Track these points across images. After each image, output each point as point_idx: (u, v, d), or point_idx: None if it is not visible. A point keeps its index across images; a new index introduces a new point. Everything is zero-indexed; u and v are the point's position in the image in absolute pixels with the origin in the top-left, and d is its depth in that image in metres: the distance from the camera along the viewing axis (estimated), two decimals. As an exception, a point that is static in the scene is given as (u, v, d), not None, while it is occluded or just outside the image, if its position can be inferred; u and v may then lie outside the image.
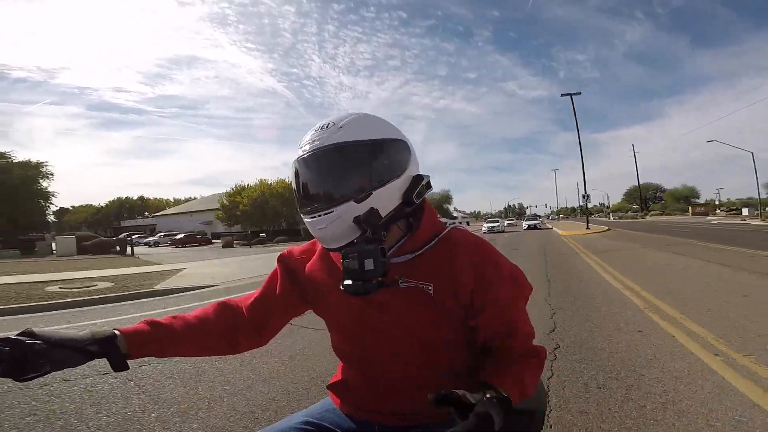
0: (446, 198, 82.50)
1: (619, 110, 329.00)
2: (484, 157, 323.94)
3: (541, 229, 35.38)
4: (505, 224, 43.68)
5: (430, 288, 0.80)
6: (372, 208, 0.76)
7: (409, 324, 0.83)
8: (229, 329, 0.93)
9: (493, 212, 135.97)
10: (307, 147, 0.78)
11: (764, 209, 35.61)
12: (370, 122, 0.81)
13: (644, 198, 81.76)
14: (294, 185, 0.83)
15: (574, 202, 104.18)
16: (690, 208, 61.44)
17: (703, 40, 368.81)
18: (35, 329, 0.71)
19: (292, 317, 1.00)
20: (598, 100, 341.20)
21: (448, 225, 0.87)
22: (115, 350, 0.77)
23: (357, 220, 0.75)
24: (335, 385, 0.98)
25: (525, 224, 38.70)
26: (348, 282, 0.72)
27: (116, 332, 0.78)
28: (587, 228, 27.35)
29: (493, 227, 34.36)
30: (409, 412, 0.87)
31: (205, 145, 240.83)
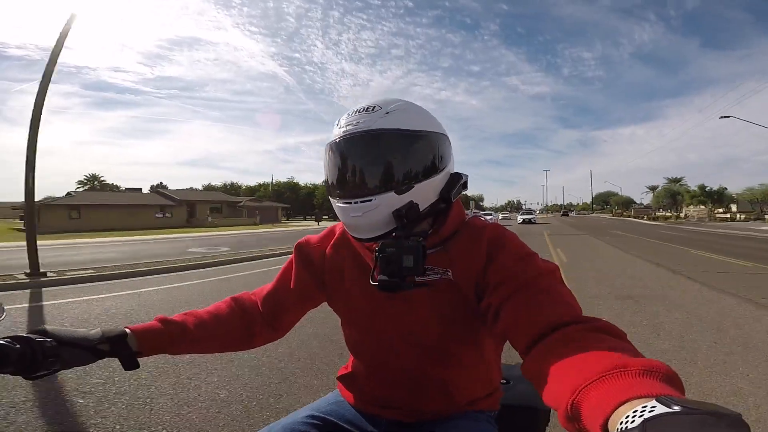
0: (480, 198, 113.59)
1: (621, 109, 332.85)
2: (482, 151, 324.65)
3: (536, 223, 35.59)
4: (499, 217, 44.48)
5: (449, 273, 0.76)
6: (412, 202, 0.72)
7: (426, 315, 0.79)
8: (244, 324, 0.90)
9: (497, 206, 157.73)
10: (350, 128, 0.73)
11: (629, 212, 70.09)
12: (417, 112, 0.77)
13: (605, 201, 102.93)
14: (328, 166, 0.78)
15: (566, 199, 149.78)
16: (613, 210, 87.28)
17: (713, 43, 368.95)
18: (47, 327, 0.70)
19: (307, 309, 0.96)
20: (602, 99, 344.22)
21: (469, 215, 0.85)
22: (126, 349, 0.76)
23: (397, 213, 0.72)
24: (345, 377, 0.95)
25: (520, 218, 39.06)
26: (383, 277, 0.69)
27: (126, 330, 0.77)
28: (546, 216, 73.82)
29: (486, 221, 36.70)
30: (416, 406, 0.84)
31: (201, 127, 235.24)
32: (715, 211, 49.73)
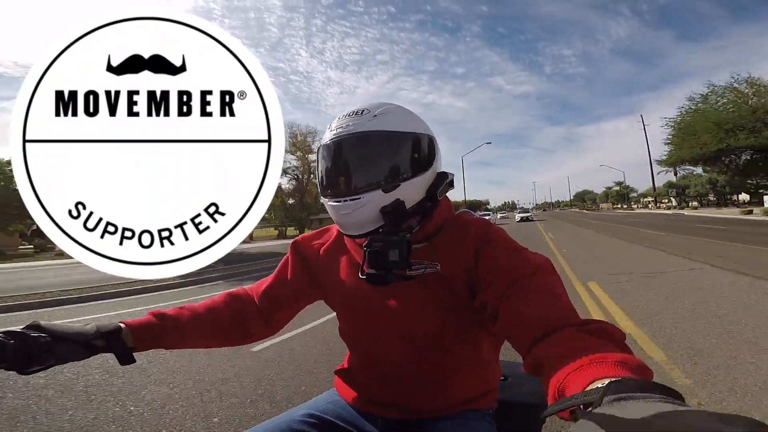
0: (487, 202, 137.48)
1: (603, 104, 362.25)
2: (471, 153, 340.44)
3: (533, 221, 37.68)
4: (498, 217, 48.72)
5: (437, 266, 0.79)
6: (398, 200, 0.76)
7: (419, 310, 0.80)
8: (239, 320, 0.93)
9: (494, 207, 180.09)
10: (341, 130, 0.77)
11: (589, 205, 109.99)
12: (403, 115, 0.81)
13: (582, 198, 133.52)
14: (320, 167, 0.83)
15: (553, 197, 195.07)
16: (585, 206, 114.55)
17: (686, 35, 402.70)
18: (42, 323, 0.71)
19: (302, 306, 0.99)
20: (584, 95, 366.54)
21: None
22: (121, 344, 0.77)
23: (384, 210, 0.76)
24: (341, 373, 0.97)
25: (518, 216, 42.53)
26: (371, 271, 0.72)
27: (121, 325, 0.78)
28: (536, 213, 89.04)
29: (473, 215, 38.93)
30: (412, 404, 0.85)
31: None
32: (626, 205, 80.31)
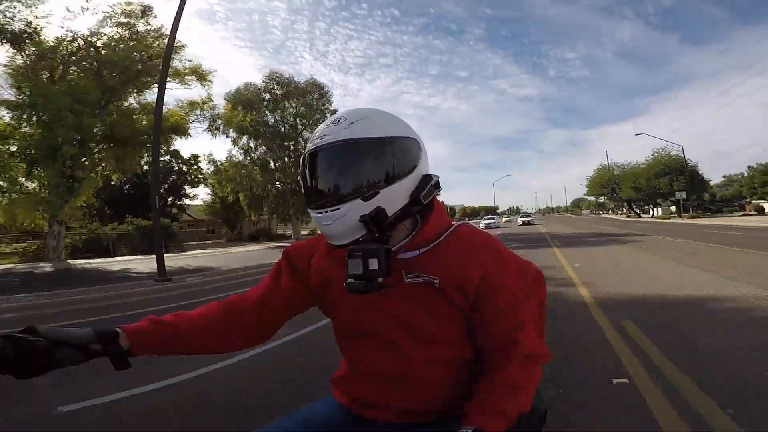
0: (496, 207, 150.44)
1: (608, 107, 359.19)
2: (474, 155, 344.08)
3: (534, 224, 41.00)
4: (503, 221, 51.16)
5: (436, 281, 0.79)
6: (379, 207, 0.76)
7: (413, 318, 0.81)
8: (232, 327, 0.92)
9: (501, 211, 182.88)
10: (318, 141, 0.78)
11: (579, 211, 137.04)
12: (381, 119, 0.81)
13: (578, 205, 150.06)
14: (302, 178, 0.84)
15: (554, 203, 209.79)
16: (574, 210, 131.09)
17: (692, 38, 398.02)
18: (37, 327, 0.70)
19: (294, 314, 0.99)
20: (588, 98, 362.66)
21: (454, 223, 0.87)
22: (117, 348, 0.77)
23: (363, 219, 0.75)
24: (338, 379, 0.97)
25: (520, 220, 46.39)
26: (351, 280, 0.74)
27: (118, 330, 0.79)
28: (534, 215, 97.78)
29: (490, 224, 37.91)
30: (410, 408, 0.85)
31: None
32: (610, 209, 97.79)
